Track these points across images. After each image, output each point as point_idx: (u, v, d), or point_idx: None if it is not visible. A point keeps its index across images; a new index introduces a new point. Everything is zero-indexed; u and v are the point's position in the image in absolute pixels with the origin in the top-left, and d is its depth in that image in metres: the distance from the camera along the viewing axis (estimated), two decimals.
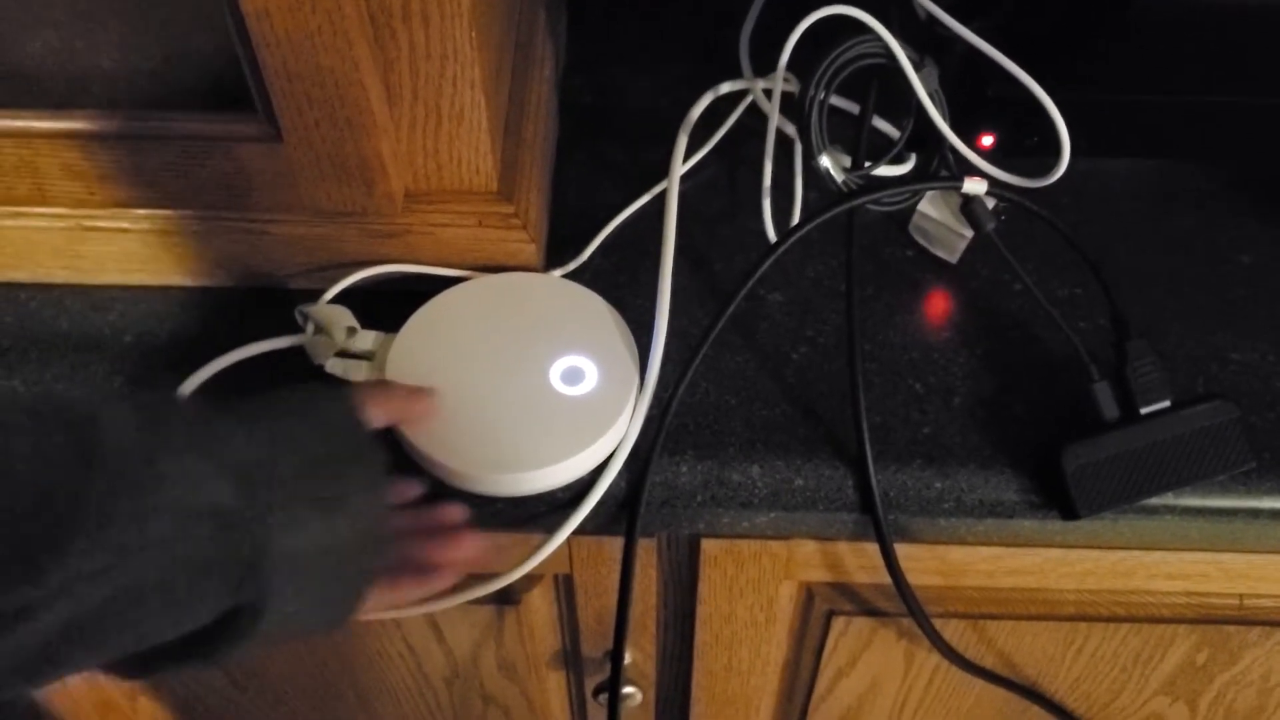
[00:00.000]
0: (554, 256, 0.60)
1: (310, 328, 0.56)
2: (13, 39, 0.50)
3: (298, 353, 0.56)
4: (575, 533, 0.59)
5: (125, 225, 0.56)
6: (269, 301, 0.58)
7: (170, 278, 0.59)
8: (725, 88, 0.63)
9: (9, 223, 0.56)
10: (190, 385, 0.55)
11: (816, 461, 0.54)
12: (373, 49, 0.49)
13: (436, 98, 0.51)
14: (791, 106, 0.58)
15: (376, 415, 0.49)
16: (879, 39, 0.53)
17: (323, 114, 0.50)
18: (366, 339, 0.56)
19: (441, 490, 0.52)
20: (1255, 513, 0.53)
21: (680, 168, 0.60)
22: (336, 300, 0.57)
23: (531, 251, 0.58)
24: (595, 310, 0.56)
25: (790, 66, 0.57)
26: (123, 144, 0.52)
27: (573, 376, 0.53)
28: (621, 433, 0.53)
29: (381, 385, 0.52)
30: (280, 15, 0.46)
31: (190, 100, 0.52)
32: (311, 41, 0.47)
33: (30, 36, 0.50)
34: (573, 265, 0.60)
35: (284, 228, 0.56)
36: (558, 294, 0.57)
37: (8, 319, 0.59)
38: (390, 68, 0.50)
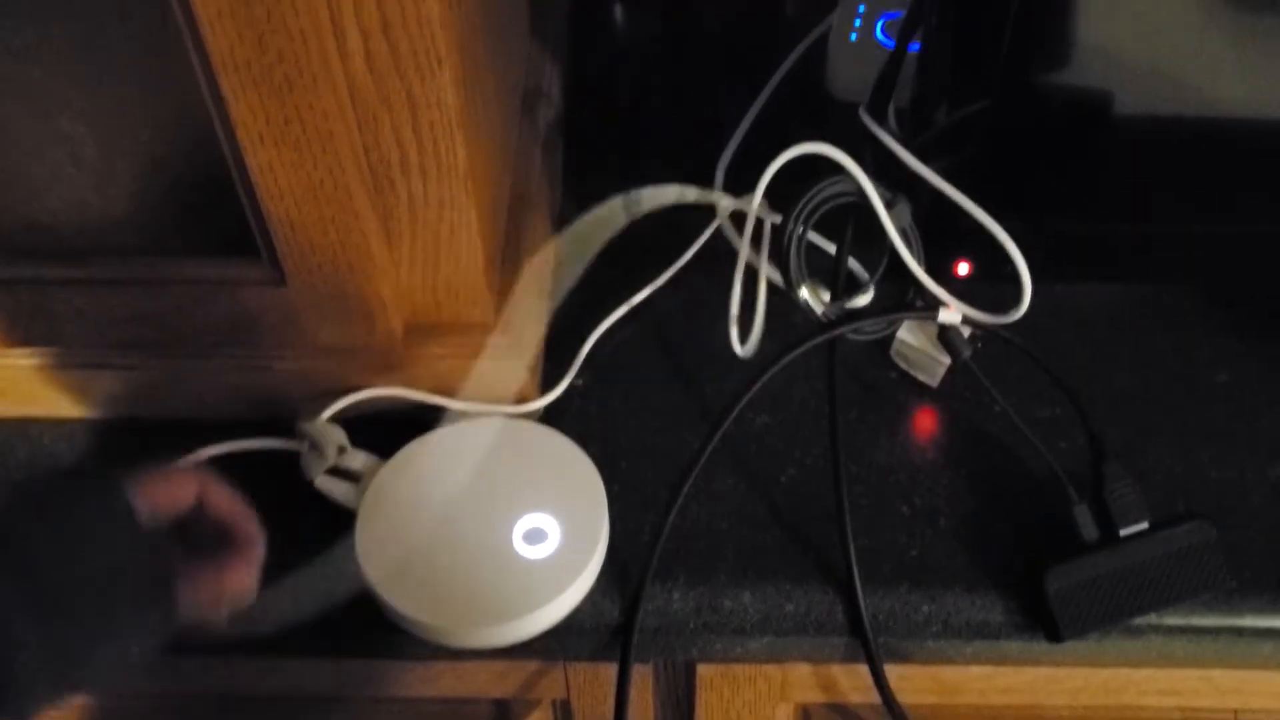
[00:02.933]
0: (551, 379, 0.62)
1: (306, 443, 0.58)
2: (29, 193, 0.52)
3: (293, 457, 0.58)
4: (571, 659, 0.60)
5: (134, 363, 0.58)
6: (275, 430, 0.60)
7: (179, 411, 0.61)
8: (691, 195, 0.64)
9: (23, 362, 0.58)
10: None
11: (806, 587, 0.55)
12: (373, 198, 0.51)
13: (435, 242, 0.54)
14: (763, 235, 0.60)
15: (163, 507, 0.48)
16: (853, 178, 0.55)
17: (325, 259, 0.52)
18: (356, 458, 0.58)
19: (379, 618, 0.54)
20: (1239, 631, 0.54)
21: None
22: (335, 419, 0.59)
23: (527, 381, 0.60)
24: (576, 468, 0.57)
25: (768, 194, 0.59)
26: (133, 289, 0.55)
27: (535, 537, 0.54)
28: (574, 601, 0.54)
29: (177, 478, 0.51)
30: (284, 170, 0.48)
31: (197, 246, 0.55)
32: (314, 194, 0.49)
33: (45, 190, 0.52)
34: (559, 389, 0.61)
35: (288, 363, 0.58)
36: (543, 446, 0.58)
37: (20, 453, 0.61)
38: (390, 214, 0.53)
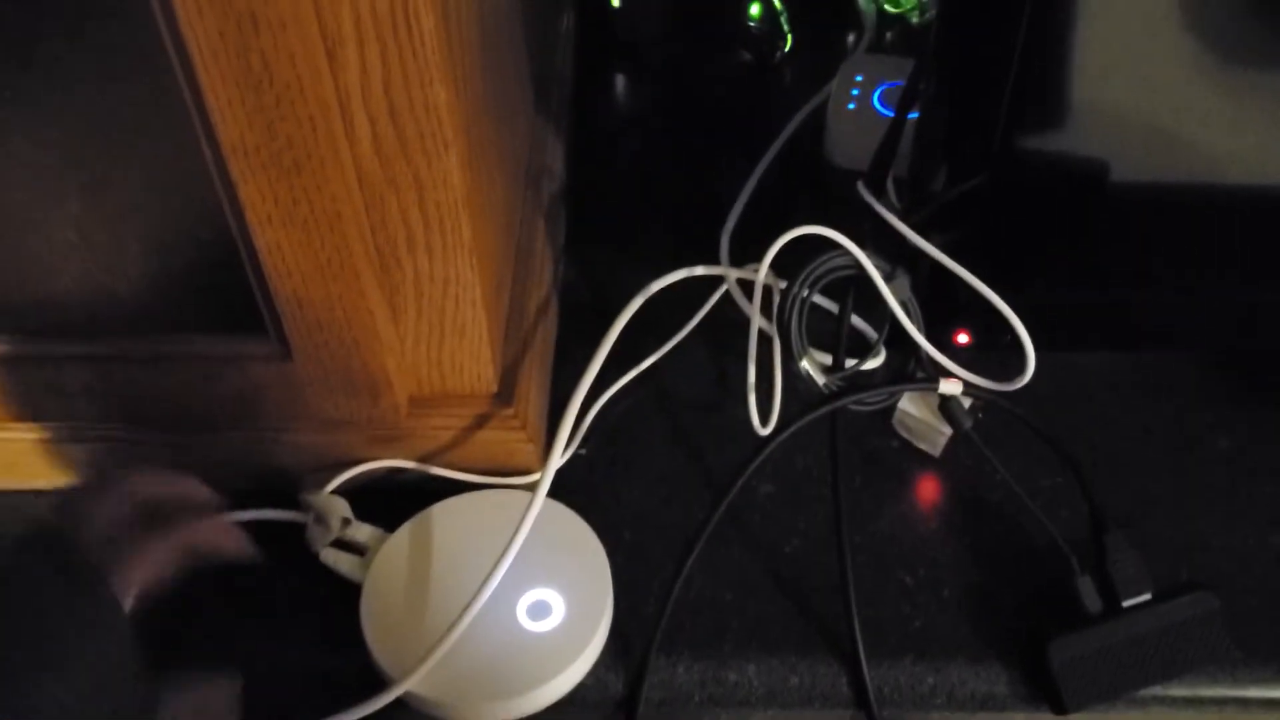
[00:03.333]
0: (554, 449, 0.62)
1: (311, 515, 0.59)
2: (41, 272, 0.53)
3: (298, 529, 0.59)
4: None
5: (142, 437, 0.59)
6: (280, 501, 0.60)
7: None
8: (699, 271, 0.64)
9: (33, 436, 0.59)
10: None
11: (811, 659, 0.55)
12: (379, 275, 0.52)
13: (439, 316, 0.55)
14: (770, 304, 0.61)
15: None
16: (851, 254, 0.56)
17: (331, 335, 0.53)
18: (361, 531, 0.58)
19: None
20: (1244, 702, 0.54)
21: None
22: (339, 490, 0.59)
23: (529, 451, 0.60)
24: (579, 541, 0.57)
25: (773, 263, 0.60)
26: (143, 365, 0.55)
27: (540, 611, 0.55)
28: (578, 676, 0.54)
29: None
30: (292, 249, 0.49)
31: (205, 323, 0.55)
32: (321, 272, 0.50)
33: (56, 269, 0.53)
34: (563, 459, 0.61)
35: (293, 436, 0.59)
36: (547, 518, 0.57)
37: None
38: (395, 291, 0.53)
